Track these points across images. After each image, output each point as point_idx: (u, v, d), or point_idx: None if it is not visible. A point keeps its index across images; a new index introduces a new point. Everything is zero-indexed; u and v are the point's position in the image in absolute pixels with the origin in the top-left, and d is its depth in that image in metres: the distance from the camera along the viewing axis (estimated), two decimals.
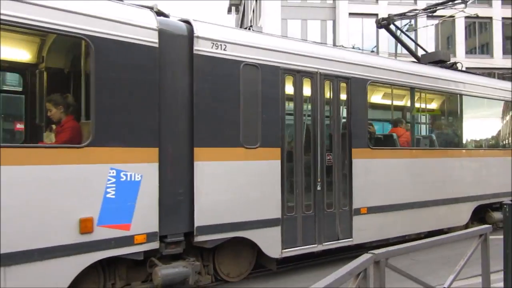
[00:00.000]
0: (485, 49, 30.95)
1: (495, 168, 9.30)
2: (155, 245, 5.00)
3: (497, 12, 29.06)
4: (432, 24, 27.83)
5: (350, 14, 28.32)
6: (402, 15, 9.34)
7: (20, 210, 4.05)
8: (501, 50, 30.04)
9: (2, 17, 3.97)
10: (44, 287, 4.20)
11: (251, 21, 33.59)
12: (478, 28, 31.14)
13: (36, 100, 5.11)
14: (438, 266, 6.45)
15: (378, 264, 2.65)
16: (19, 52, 5.02)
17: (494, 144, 9.65)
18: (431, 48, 27.82)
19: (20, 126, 6.24)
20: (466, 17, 27.74)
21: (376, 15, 27.50)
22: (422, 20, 26.99)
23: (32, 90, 5.20)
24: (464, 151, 8.77)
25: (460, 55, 28.51)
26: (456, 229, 8.46)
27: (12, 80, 5.86)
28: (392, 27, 9.37)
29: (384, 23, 9.09)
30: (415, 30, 24.26)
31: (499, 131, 9.76)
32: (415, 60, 9.66)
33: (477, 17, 27.97)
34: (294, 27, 27.45)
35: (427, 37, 28.43)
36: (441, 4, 9.80)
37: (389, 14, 9.27)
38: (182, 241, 5.34)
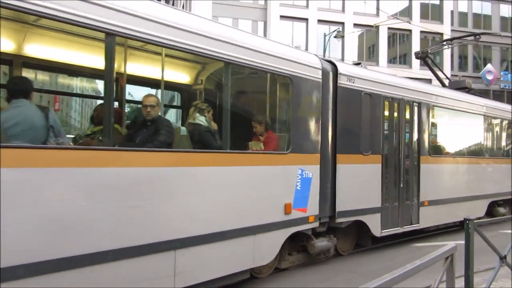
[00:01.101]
0: (405, 59, 34.10)
1: (501, 173, 12.03)
2: (316, 224, 7.10)
3: (416, 26, 31.90)
4: (358, 30, 30.73)
5: (281, 17, 29.57)
6: (435, 48, 11.83)
7: (254, 197, 5.97)
8: (419, 61, 33.17)
9: (241, 60, 5.83)
10: (271, 248, 6.17)
11: None
12: (399, 39, 34.09)
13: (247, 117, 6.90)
14: None
15: None
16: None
17: (501, 154, 12.40)
18: (354, 56, 30.74)
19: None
20: (389, 28, 31.24)
21: (306, 19, 30.21)
22: (348, 28, 30.17)
23: (245, 111, 6.97)
24: (484, 159, 11.42)
25: (382, 64, 31.26)
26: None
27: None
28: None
29: (422, 56, 11.56)
30: (342, 37, 26.78)
31: (506, 144, 12.55)
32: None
33: (399, 29, 31.54)
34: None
35: (353, 45, 31.62)
36: (457, 38, 12.36)
37: (426, 49, 11.72)
38: (327, 222, 7.39)
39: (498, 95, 33.09)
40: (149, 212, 4.71)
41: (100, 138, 5.13)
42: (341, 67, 7.65)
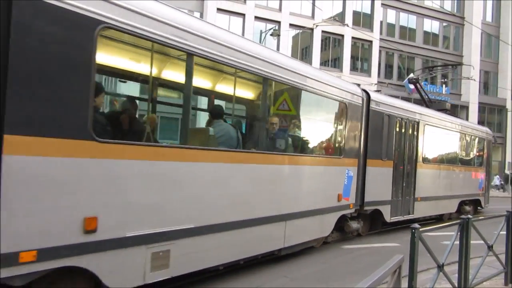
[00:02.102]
0: (335, 63, 35.66)
1: (469, 178, 15.36)
2: (353, 210, 9.85)
3: (348, 31, 33.64)
4: (296, 30, 32.09)
5: (218, 9, 29.66)
6: (422, 74, 14.99)
7: (324, 187, 8.76)
8: (349, 66, 35.34)
9: (325, 93, 8.54)
10: (329, 225, 8.88)
11: None
12: (332, 43, 35.45)
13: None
14: (312, 284, 7.00)
15: None
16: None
17: (469, 163, 15.74)
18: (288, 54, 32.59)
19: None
20: (322, 31, 32.84)
21: (243, 15, 30.70)
22: (284, 27, 31.20)
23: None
24: (458, 167, 14.71)
25: (315, 66, 31.54)
26: (446, 214, 14.19)
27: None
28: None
29: (414, 81, 14.98)
30: (278, 36, 28.28)
31: (474, 156, 15.90)
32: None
33: (332, 33, 33.08)
34: None
35: (288, 45, 32.63)
36: (437, 66, 15.64)
37: (418, 76, 14.82)
38: (358, 209, 10.16)
39: (418, 103, 35.79)
40: (277, 195, 7.32)
41: None
42: (372, 95, 10.50)
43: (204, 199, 5.88)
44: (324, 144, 9.24)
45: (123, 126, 5.24)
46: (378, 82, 34.52)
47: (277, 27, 29.54)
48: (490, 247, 6.66)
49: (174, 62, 6.00)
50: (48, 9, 3.96)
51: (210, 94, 7.44)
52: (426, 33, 41.26)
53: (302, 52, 34.40)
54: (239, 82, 7.14)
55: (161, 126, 7.06)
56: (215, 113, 6.85)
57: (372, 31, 35.78)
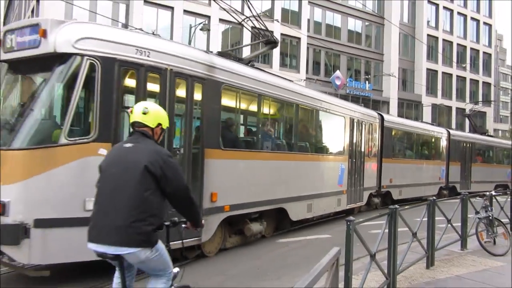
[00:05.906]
0: (264, 59, 35.27)
1: (500, 171, 26.44)
2: (444, 185, 20.85)
3: (277, 28, 33.04)
4: (222, 24, 32.28)
5: (146, 2, 29.37)
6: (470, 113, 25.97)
7: (434, 173, 20.16)
8: (278, 62, 35.97)
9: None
10: (435, 191, 20.03)
11: None
12: (261, 39, 35.92)
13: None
14: (250, 280, 6.86)
15: None
16: None
17: (500, 161, 26.09)
18: (219, 50, 30.01)
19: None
20: (252, 27, 32.28)
21: (172, 8, 30.23)
22: (214, 22, 31.01)
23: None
24: (495, 164, 26.82)
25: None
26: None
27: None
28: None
29: (466, 116, 24.73)
30: (208, 30, 28.48)
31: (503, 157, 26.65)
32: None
33: (261, 29, 32.09)
34: (81, 7, 22.92)
35: (218, 40, 32.72)
36: (486, 101, 29.27)
37: (470, 113, 25.85)
38: (446, 184, 19.58)
39: (343, 99, 35.73)
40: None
41: None
42: (452, 132, 22.00)
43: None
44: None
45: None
46: (306, 78, 35.70)
47: (206, 22, 29.93)
48: (414, 234, 7.02)
49: None
50: None
51: None
52: (350, 32, 43.55)
53: (232, 47, 32.69)
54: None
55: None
56: None
57: (300, 28, 36.85)
